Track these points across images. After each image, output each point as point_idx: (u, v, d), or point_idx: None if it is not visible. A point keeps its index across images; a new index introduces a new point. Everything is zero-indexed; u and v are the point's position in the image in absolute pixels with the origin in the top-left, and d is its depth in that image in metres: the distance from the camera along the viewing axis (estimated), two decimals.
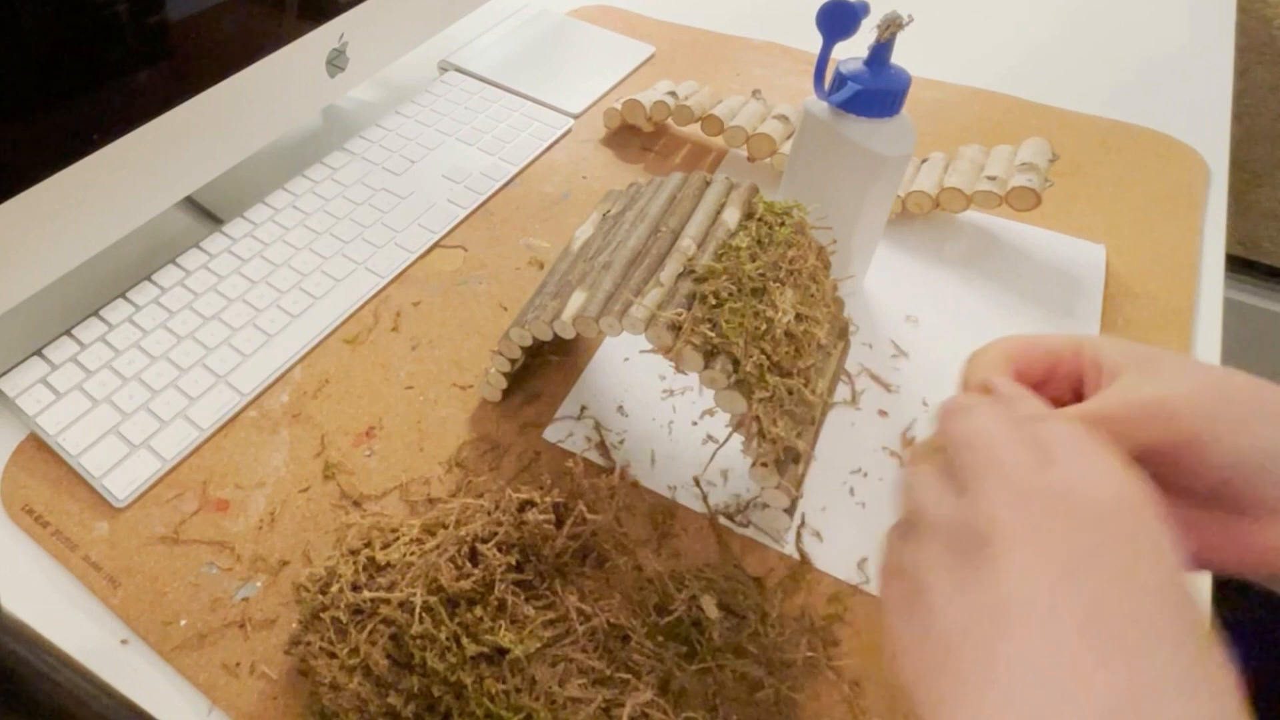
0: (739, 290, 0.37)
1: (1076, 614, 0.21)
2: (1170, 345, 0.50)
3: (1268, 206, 1.21)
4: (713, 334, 0.36)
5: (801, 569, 0.40)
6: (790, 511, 0.39)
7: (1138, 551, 0.22)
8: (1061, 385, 0.30)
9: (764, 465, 0.37)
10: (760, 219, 0.41)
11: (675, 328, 0.36)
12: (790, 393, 0.37)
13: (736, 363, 0.36)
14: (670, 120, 0.65)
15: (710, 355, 0.36)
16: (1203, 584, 0.40)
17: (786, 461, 0.37)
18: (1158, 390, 0.27)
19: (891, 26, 0.42)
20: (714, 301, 0.37)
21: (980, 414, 0.26)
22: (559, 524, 0.37)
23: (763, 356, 0.36)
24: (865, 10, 0.43)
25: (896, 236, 0.57)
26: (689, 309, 0.37)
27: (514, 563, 0.36)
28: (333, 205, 0.59)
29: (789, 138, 0.62)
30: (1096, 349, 0.29)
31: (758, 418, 0.36)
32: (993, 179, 0.55)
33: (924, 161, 0.59)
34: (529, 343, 0.43)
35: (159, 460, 0.45)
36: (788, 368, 0.37)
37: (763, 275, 0.38)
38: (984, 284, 0.55)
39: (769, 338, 0.36)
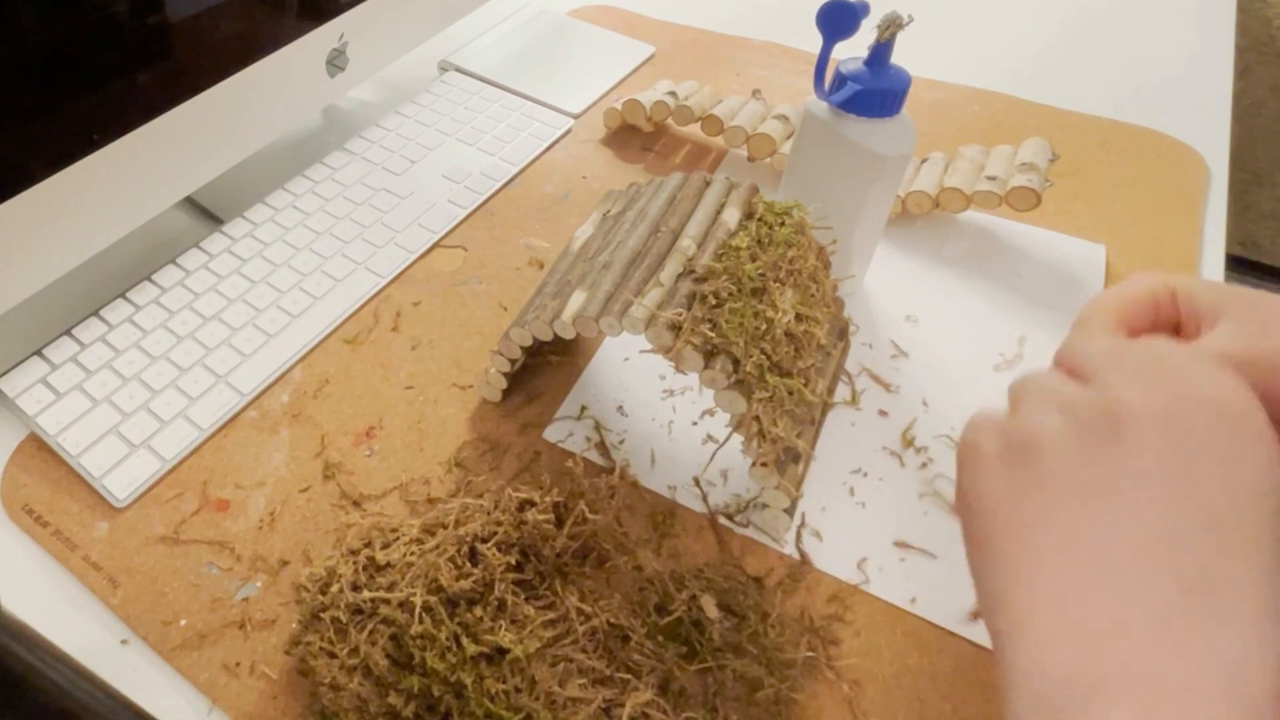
0: (739, 290, 0.37)
1: (1184, 494, 0.23)
2: None
3: (1268, 206, 1.21)
4: (712, 334, 0.36)
5: (801, 569, 0.40)
6: (790, 511, 0.39)
7: (1245, 452, 0.24)
8: (1161, 331, 0.32)
9: (764, 465, 0.37)
10: (760, 219, 0.41)
11: (675, 328, 0.36)
12: (790, 393, 0.37)
13: (736, 363, 0.36)
14: (670, 120, 0.65)
15: (710, 355, 0.36)
16: None
17: (786, 461, 0.37)
18: (1267, 344, 0.28)
19: (892, 26, 0.42)
20: (714, 301, 0.37)
21: (1099, 336, 0.29)
22: (559, 524, 0.37)
23: (763, 356, 0.36)
24: (865, 10, 0.43)
25: (896, 236, 0.57)
26: (689, 309, 0.37)
27: (514, 562, 0.36)
28: (333, 205, 0.59)
29: (789, 138, 0.62)
30: (1191, 294, 0.30)
31: (758, 418, 0.36)
32: (993, 179, 0.55)
33: (924, 161, 0.59)
34: (529, 343, 0.43)
35: (159, 460, 0.45)
36: (788, 368, 0.37)
37: (763, 275, 0.38)
38: (984, 284, 0.55)
39: (769, 338, 0.36)
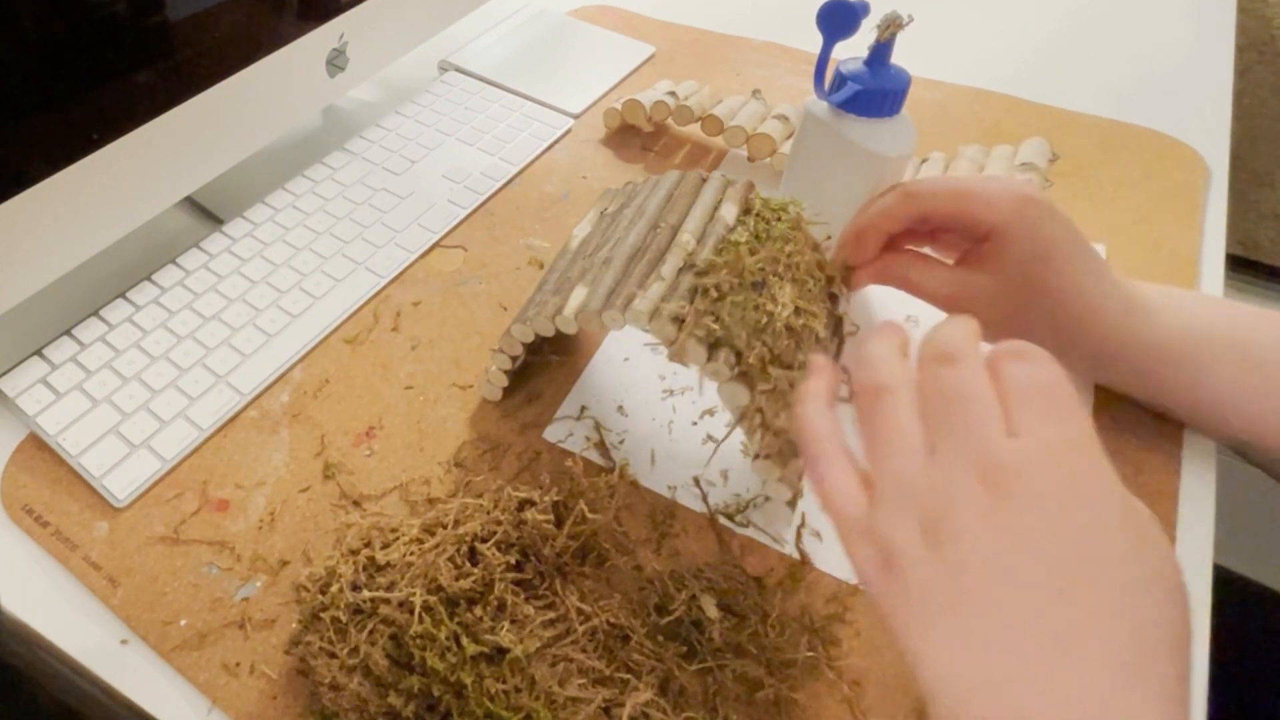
0: (740, 284, 0.37)
1: (1028, 566, 0.25)
2: None
3: (1268, 206, 1.20)
4: (715, 326, 0.36)
5: (801, 569, 0.40)
6: (793, 505, 0.39)
7: (1089, 531, 0.25)
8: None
9: (767, 458, 0.37)
10: (758, 214, 0.41)
11: (678, 320, 0.36)
12: (791, 385, 0.37)
13: (739, 355, 0.36)
14: (670, 120, 0.65)
15: (713, 348, 0.36)
16: (1202, 585, 0.40)
17: (788, 454, 0.37)
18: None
19: (891, 26, 0.42)
20: (715, 294, 0.37)
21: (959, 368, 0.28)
22: (558, 524, 0.37)
23: (764, 349, 0.36)
24: (865, 10, 0.43)
25: None
26: (691, 302, 0.37)
27: (513, 562, 0.36)
28: (333, 205, 0.59)
29: (789, 138, 0.62)
30: (1014, 260, 0.40)
31: (760, 410, 0.36)
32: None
33: (924, 161, 0.59)
34: (531, 339, 0.43)
35: (159, 460, 0.45)
36: (788, 361, 0.37)
37: (762, 269, 0.38)
38: None
39: (770, 331, 0.36)
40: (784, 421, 0.36)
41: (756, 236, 0.40)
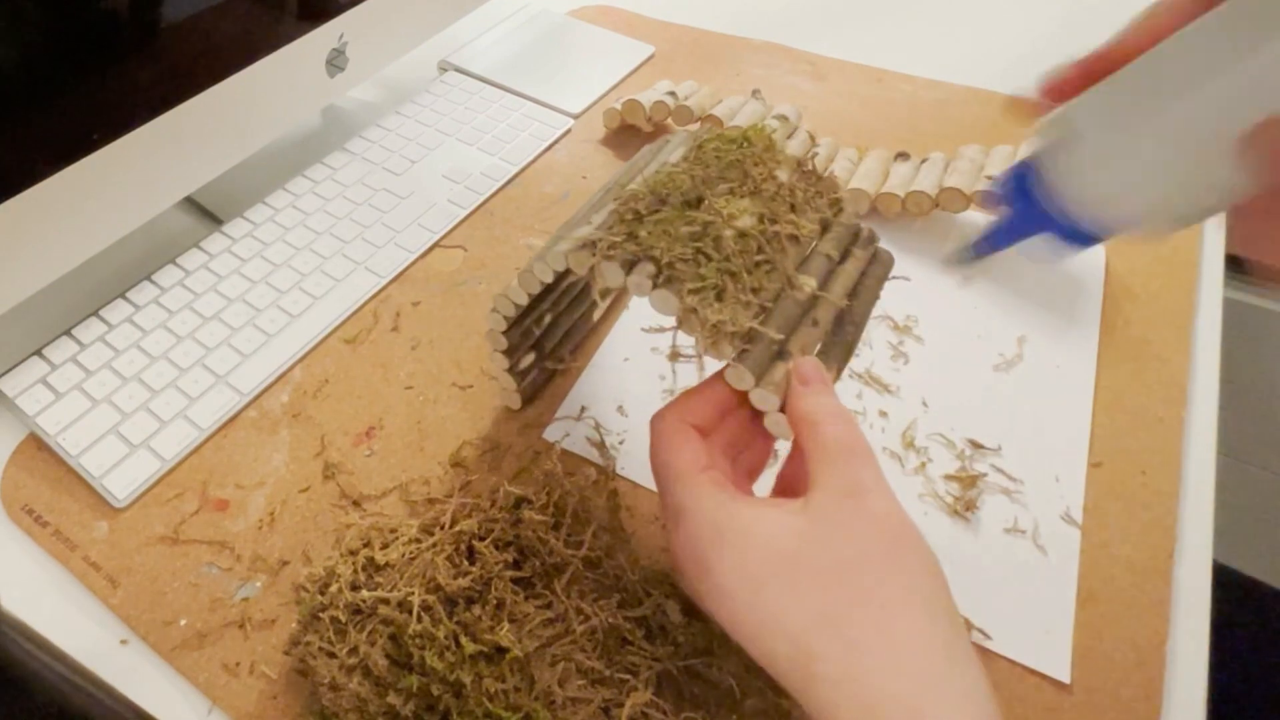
0: (664, 204, 0.36)
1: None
2: (1170, 345, 0.50)
3: None
4: (633, 246, 0.34)
5: None
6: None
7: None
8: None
9: (739, 364, 0.33)
10: (702, 147, 0.39)
11: (589, 244, 0.35)
12: (733, 276, 0.34)
13: (658, 263, 0.34)
14: (670, 120, 0.65)
15: (631, 265, 0.34)
16: (1202, 585, 0.40)
17: (763, 360, 0.34)
18: None
19: None
20: (632, 217, 0.36)
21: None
22: (556, 523, 0.37)
23: (701, 256, 0.34)
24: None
25: (896, 237, 0.57)
26: (611, 229, 0.36)
27: (511, 560, 0.36)
28: (333, 205, 0.59)
29: (789, 137, 0.62)
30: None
31: (694, 310, 0.33)
32: (993, 179, 0.55)
33: (924, 161, 0.59)
34: (502, 327, 0.42)
35: (159, 460, 0.45)
36: (745, 265, 0.35)
37: (695, 188, 0.36)
38: (984, 284, 0.55)
39: (708, 239, 0.35)
40: (726, 313, 0.33)
41: (703, 164, 0.38)
